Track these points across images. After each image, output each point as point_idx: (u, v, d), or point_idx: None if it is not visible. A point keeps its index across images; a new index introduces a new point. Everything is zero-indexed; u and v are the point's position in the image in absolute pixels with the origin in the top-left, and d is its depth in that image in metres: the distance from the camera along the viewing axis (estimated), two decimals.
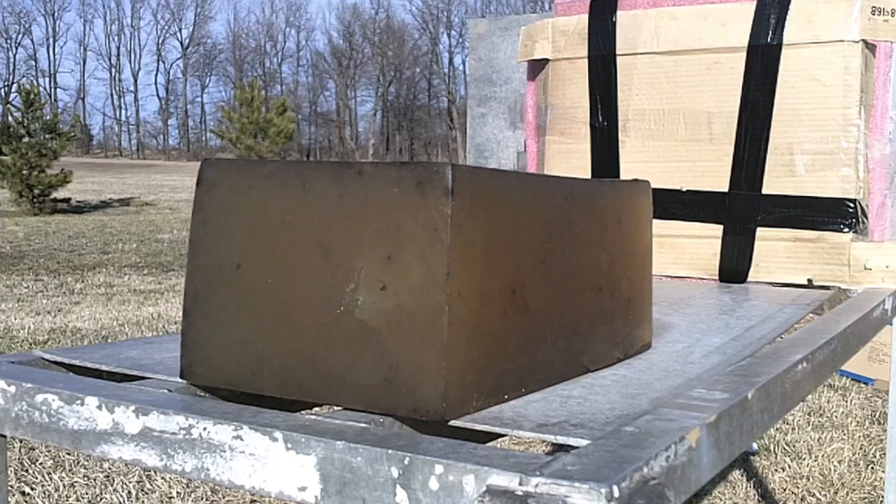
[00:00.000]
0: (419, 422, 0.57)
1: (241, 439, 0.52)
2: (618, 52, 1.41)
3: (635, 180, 0.81)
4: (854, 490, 2.70)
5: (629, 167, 1.41)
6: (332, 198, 0.59)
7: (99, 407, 0.58)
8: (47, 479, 2.61)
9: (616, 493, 0.41)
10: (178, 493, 2.54)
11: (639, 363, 0.76)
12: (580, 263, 0.69)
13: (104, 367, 0.71)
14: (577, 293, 0.69)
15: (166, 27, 69.62)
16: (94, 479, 2.62)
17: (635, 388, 0.66)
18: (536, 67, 1.54)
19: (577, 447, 0.49)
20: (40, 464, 2.74)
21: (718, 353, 0.80)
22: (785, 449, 3.06)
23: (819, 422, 3.38)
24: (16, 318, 5.22)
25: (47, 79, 66.77)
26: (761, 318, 1.00)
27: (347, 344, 0.58)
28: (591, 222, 0.72)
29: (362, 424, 0.54)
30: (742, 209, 1.32)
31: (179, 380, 0.66)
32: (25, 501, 2.47)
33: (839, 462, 2.92)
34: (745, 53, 1.31)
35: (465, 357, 0.56)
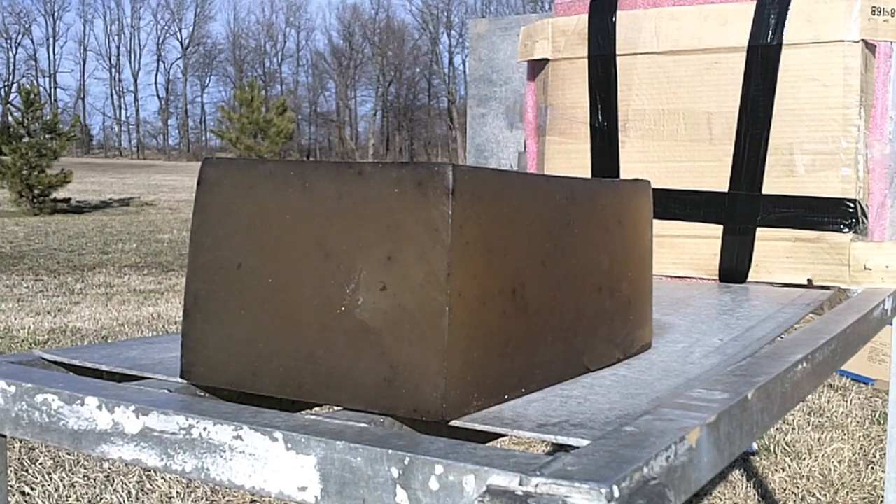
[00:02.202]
0: (419, 422, 0.57)
1: (241, 439, 0.52)
2: (618, 52, 1.41)
3: (635, 180, 0.81)
4: (854, 490, 2.70)
5: (629, 167, 1.41)
6: (332, 198, 0.59)
7: (99, 407, 0.58)
8: (47, 479, 2.61)
9: (616, 493, 0.41)
10: (178, 493, 2.54)
11: (639, 363, 0.76)
12: (580, 263, 0.69)
13: (104, 367, 0.71)
14: (577, 293, 0.69)
15: (166, 27, 69.66)
16: (94, 479, 2.62)
17: (635, 388, 0.66)
18: (536, 67, 1.54)
19: (577, 447, 0.49)
20: (40, 464, 2.73)
21: (718, 353, 0.80)
22: (785, 449, 3.06)
23: (819, 422, 3.38)
24: (16, 318, 5.22)
25: (47, 79, 66.83)
26: (761, 318, 1.00)
27: (348, 344, 0.58)
28: (591, 222, 0.71)
29: (362, 424, 0.54)
30: (742, 209, 1.32)
31: (179, 380, 0.66)
32: (25, 501, 2.47)
33: (839, 462, 2.92)
34: (745, 53, 1.31)
35: (465, 357, 0.56)
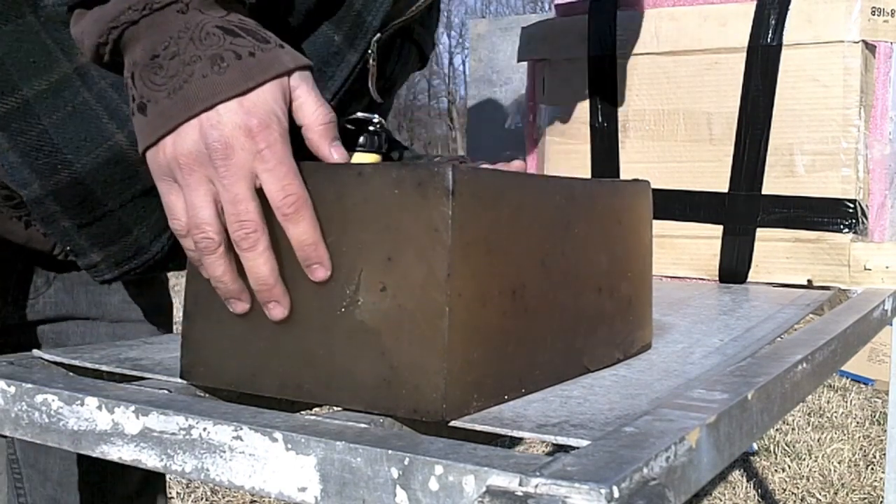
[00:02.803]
0: (419, 422, 0.57)
1: (241, 440, 0.52)
2: (618, 52, 1.41)
3: (636, 180, 0.81)
4: (854, 490, 2.70)
5: (629, 167, 1.41)
6: (332, 198, 0.59)
7: (99, 407, 0.58)
8: None
9: (616, 494, 0.41)
10: (178, 493, 2.54)
11: (639, 364, 0.76)
12: (580, 264, 0.69)
13: (104, 368, 0.72)
14: (577, 293, 0.69)
15: None
16: None
17: (635, 389, 0.66)
18: (536, 67, 1.54)
19: (577, 447, 0.49)
20: None
21: (718, 354, 0.80)
22: (785, 449, 3.06)
23: (819, 422, 3.39)
24: None
25: None
26: (761, 318, 1.00)
27: (347, 344, 0.58)
28: (592, 222, 0.71)
29: (362, 425, 0.54)
30: (742, 209, 1.32)
31: (179, 380, 0.66)
32: None
33: (839, 462, 2.92)
34: (745, 54, 1.31)
35: (465, 358, 0.56)
